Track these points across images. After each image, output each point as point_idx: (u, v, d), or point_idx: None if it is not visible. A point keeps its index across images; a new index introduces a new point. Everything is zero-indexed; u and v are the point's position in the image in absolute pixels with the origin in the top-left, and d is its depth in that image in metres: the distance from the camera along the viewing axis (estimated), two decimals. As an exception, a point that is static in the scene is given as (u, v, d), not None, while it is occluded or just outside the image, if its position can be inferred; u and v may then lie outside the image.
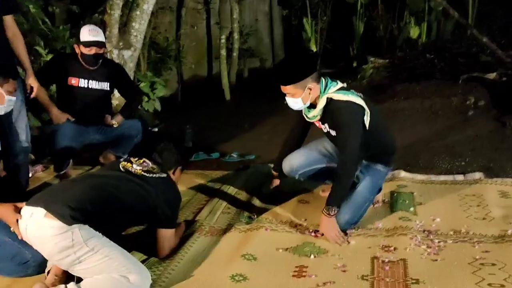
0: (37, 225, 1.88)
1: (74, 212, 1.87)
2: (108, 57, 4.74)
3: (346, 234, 2.42)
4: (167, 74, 6.74)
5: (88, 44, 3.21)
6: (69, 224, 1.85)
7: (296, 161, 2.68)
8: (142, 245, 2.33)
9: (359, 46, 8.87)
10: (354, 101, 2.35)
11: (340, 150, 2.43)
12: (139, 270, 1.95)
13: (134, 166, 2.24)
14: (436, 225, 2.49)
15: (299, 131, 2.75)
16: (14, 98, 2.39)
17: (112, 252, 1.93)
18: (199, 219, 2.72)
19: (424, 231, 2.43)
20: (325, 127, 2.51)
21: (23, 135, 2.89)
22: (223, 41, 6.92)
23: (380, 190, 2.74)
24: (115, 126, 3.39)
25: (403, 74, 6.01)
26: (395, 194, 2.95)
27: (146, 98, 5.15)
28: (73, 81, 3.31)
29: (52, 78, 3.36)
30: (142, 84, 5.13)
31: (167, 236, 2.26)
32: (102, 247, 1.91)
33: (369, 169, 2.57)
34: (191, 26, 7.63)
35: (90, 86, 3.36)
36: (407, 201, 2.83)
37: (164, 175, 2.28)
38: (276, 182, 2.91)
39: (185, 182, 3.33)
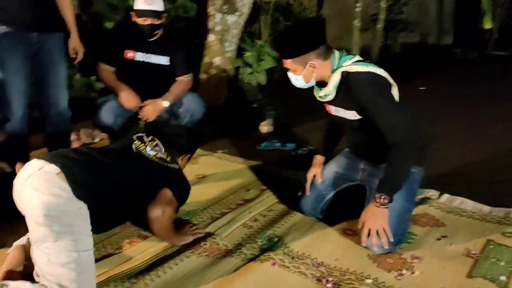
0: (44, 178, 1.60)
1: (85, 185, 1.64)
2: (210, 21, 4.40)
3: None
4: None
5: (141, 13, 2.81)
6: (76, 196, 1.61)
7: (311, 196, 2.31)
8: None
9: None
10: (376, 72, 1.93)
11: (386, 128, 1.89)
12: None
13: (148, 149, 2.00)
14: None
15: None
16: None
17: (84, 256, 1.59)
18: (212, 228, 2.20)
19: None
20: (339, 110, 2.08)
21: (61, 100, 2.69)
22: (357, 9, 5.97)
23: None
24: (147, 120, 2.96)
25: None
26: (491, 246, 2.00)
27: (249, 70, 4.68)
28: (129, 54, 2.96)
29: (113, 53, 3.01)
30: (247, 54, 4.67)
31: (168, 195, 1.96)
32: (82, 241, 1.59)
33: None
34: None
35: (147, 60, 2.98)
36: (501, 263, 1.87)
37: (177, 166, 2.08)
38: (314, 172, 2.34)
39: (230, 174, 2.86)
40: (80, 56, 2.77)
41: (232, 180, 2.80)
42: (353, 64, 1.95)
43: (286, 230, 2.21)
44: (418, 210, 2.38)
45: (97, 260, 1.90)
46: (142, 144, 2.00)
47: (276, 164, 3.05)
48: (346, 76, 1.94)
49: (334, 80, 1.97)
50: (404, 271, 1.87)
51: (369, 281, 1.82)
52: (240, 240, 2.14)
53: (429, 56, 7.70)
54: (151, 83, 2.99)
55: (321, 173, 2.32)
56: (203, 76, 4.47)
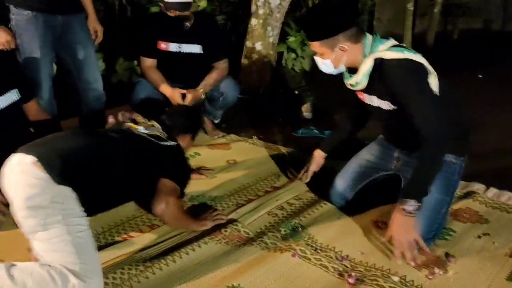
0: (21, 170, 1.58)
1: (65, 171, 1.57)
2: (253, 5, 4.29)
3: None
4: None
5: (169, 6, 2.75)
6: (57, 182, 1.55)
7: (340, 185, 2.19)
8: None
9: None
10: (413, 58, 1.73)
11: (418, 122, 1.74)
12: (90, 281, 1.50)
13: (140, 128, 1.90)
14: None
15: (356, 111, 2.18)
16: None
17: (80, 237, 1.55)
18: (236, 215, 2.12)
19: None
20: (373, 100, 1.92)
21: (94, 83, 2.70)
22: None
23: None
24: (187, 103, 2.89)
25: None
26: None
27: (293, 55, 4.54)
28: (162, 45, 2.92)
29: (150, 44, 2.97)
30: (290, 39, 4.53)
31: (168, 185, 1.86)
32: (74, 224, 1.55)
33: None
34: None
35: (181, 50, 2.93)
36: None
37: (173, 143, 1.96)
38: (314, 166, 2.35)
39: (262, 160, 2.77)
40: (99, 36, 2.77)
41: (264, 166, 2.70)
42: (388, 50, 1.76)
43: (312, 220, 2.09)
44: (460, 204, 2.19)
45: (112, 244, 1.90)
46: (134, 125, 1.94)
47: (312, 152, 2.91)
48: (380, 63, 1.77)
49: (366, 67, 1.80)
50: (436, 270, 1.71)
51: (396, 278, 1.67)
52: (263, 228, 2.04)
53: (491, 43, 7.20)
54: (186, 72, 2.96)
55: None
56: (245, 61, 4.39)
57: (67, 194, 1.57)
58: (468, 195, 2.28)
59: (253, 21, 4.32)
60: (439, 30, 6.75)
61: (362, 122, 2.25)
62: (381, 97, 1.86)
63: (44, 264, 1.50)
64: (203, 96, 2.92)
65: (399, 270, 1.71)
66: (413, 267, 1.70)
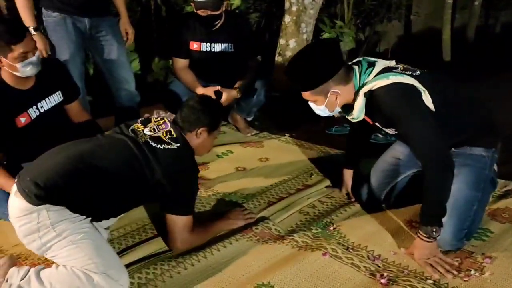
0: (9, 203, 1.66)
1: (40, 191, 1.57)
2: (286, 2, 4.27)
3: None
4: (382, 26, 5.82)
5: (199, 5, 2.76)
6: (35, 204, 1.57)
7: (369, 191, 2.15)
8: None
9: None
10: (400, 81, 1.70)
11: (415, 152, 1.76)
12: (111, 272, 1.56)
13: (146, 130, 1.78)
14: None
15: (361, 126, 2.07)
16: (33, 59, 1.94)
17: (82, 240, 1.60)
18: (267, 213, 2.12)
19: None
20: (377, 124, 1.89)
21: (126, 83, 2.76)
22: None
23: (495, 184, 1.99)
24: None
25: None
26: None
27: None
28: (194, 45, 2.95)
29: (181, 45, 2.99)
30: (324, 35, 4.49)
31: (177, 224, 1.78)
32: (72, 233, 1.60)
33: (464, 157, 1.85)
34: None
35: (213, 49, 2.95)
36: None
37: (175, 145, 1.75)
38: (345, 191, 2.29)
39: (294, 158, 2.77)
40: (131, 38, 2.83)
41: (296, 164, 2.69)
42: (374, 79, 1.73)
43: (344, 219, 2.08)
44: (499, 204, 2.13)
45: (143, 241, 1.93)
46: (142, 126, 1.81)
47: (345, 150, 2.88)
48: (369, 96, 1.75)
49: (359, 105, 1.78)
50: (472, 272, 1.67)
51: (430, 280, 1.64)
52: (294, 226, 2.04)
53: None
54: (219, 70, 3.00)
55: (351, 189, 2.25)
56: (278, 58, 4.38)
57: (52, 210, 1.58)
58: (507, 194, 2.21)
59: (287, 18, 4.30)
60: (480, 24, 6.53)
61: (370, 133, 2.26)
62: (382, 125, 1.86)
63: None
64: (238, 95, 2.94)
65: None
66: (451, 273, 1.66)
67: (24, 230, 1.61)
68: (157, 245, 1.89)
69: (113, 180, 1.67)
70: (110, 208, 1.76)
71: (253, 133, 3.21)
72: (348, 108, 1.86)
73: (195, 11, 2.81)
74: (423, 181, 1.70)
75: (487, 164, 1.87)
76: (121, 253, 1.84)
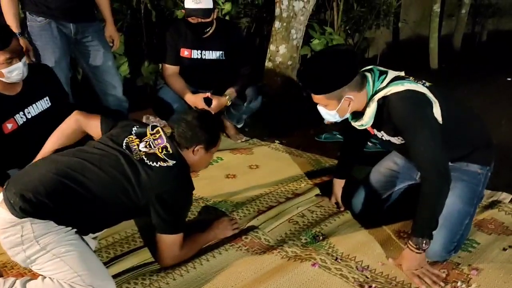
0: None
1: (25, 204, 1.54)
2: (277, 7, 4.28)
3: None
4: (371, 32, 5.87)
5: (189, 12, 2.75)
6: (19, 217, 1.55)
7: (363, 195, 2.13)
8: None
9: None
10: (414, 88, 1.72)
11: (417, 162, 1.78)
12: (97, 284, 1.56)
13: (141, 145, 1.75)
14: None
15: (356, 135, 2.12)
16: (18, 64, 1.93)
17: (67, 253, 1.58)
18: (256, 222, 2.12)
19: None
20: (383, 135, 1.89)
21: (113, 89, 2.75)
22: (438, -6, 5.54)
23: (481, 199, 2.00)
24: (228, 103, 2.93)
25: None
26: None
27: (317, 58, 4.53)
28: (185, 52, 2.95)
29: (172, 51, 2.99)
30: (314, 42, 4.50)
31: (165, 242, 1.76)
32: (56, 246, 1.58)
33: (460, 172, 1.87)
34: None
35: (204, 57, 2.95)
36: None
37: (171, 162, 1.72)
38: (334, 200, 2.30)
39: (284, 166, 2.78)
40: (116, 44, 2.82)
41: (285, 172, 2.70)
42: (388, 85, 1.75)
43: (333, 229, 2.09)
44: (485, 214, 2.15)
45: (132, 251, 1.92)
46: (137, 139, 1.76)
47: (335, 157, 2.90)
48: (382, 102, 1.75)
49: (370, 111, 1.78)
50: (459, 284, 1.69)
51: (417, 291, 1.66)
52: (283, 236, 2.04)
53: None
54: (209, 77, 3.00)
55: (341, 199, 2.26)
56: (268, 64, 4.38)
57: (35, 222, 1.56)
58: (493, 204, 2.24)
59: (277, 24, 4.30)
60: (467, 32, 6.60)
61: (364, 143, 2.26)
62: (389, 133, 1.86)
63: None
64: (228, 103, 2.94)
65: (421, 282, 1.69)
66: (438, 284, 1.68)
67: (8, 242, 1.59)
68: (146, 254, 1.88)
69: (101, 200, 1.64)
70: (96, 225, 1.74)
71: (243, 140, 3.21)
72: (356, 114, 1.86)
73: (186, 18, 2.81)
74: (418, 193, 1.71)
75: (481, 181, 1.90)
76: (109, 262, 1.83)
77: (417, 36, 6.85)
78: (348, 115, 1.84)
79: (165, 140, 1.78)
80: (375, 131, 1.90)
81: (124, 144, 1.75)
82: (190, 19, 2.78)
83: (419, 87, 1.73)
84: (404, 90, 1.71)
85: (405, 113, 1.71)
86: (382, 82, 1.76)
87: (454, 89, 4.16)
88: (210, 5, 2.76)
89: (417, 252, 1.71)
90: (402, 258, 1.77)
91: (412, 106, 1.71)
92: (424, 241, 1.70)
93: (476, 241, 1.94)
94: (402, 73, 1.82)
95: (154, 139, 1.78)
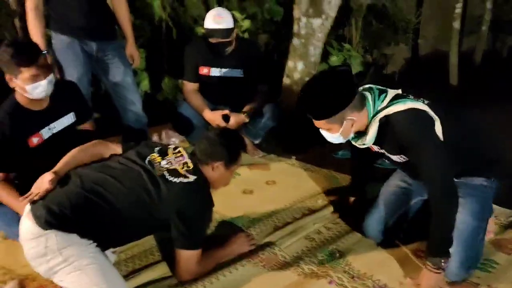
0: (21, 224, 1.69)
1: (50, 217, 1.60)
2: (295, 25, 4.32)
3: None
4: (390, 49, 5.87)
5: (210, 32, 2.80)
6: (44, 229, 1.60)
7: (375, 220, 2.08)
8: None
9: None
10: (416, 107, 1.73)
11: (424, 179, 1.78)
12: None
13: (163, 162, 1.79)
14: None
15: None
16: (42, 82, 1.96)
17: (88, 266, 1.62)
18: (273, 238, 2.14)
19: None
20: (382, 151, 1.90)
21: (132, 105, 2.81)
22: (457, 10, 5.53)
23: (491, 213, 2.01)
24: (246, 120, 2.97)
25: None
26: None
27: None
28: (204, 70, 2.99)
29: (192, 69, 3.05)
30: (332, 58, 4.53)
31: (184, 257, 1.78)
32: (78, 259, 1.62)
33: (467, 187, 1.86)
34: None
35: (222, 75, 2.99)
36: None
37: (192, 178, 1.75)
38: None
39: (300, 182, 2.79)
40: (136, 62, 2.89)
41: (302, 188, 2.71)
42: (390, 104, 1.75)
43: (350, 246, 2.08)
44: (505, 234, 2.13)
45: (150, 265, 1.95)
46: (159, 157, 1.82)
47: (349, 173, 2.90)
48: (384, 121, 1.76)
49: (372, 131, 1.78)
50: (477, 304, 1.67)
51: (435, 311, 1.64)
52: (299, 252, 2.05)
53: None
54: (228, 95, 3.05)
55: None
56: (286, 80, 4.41)
57: (59, 235, 1.61)
58: (513, 224, 2.21)
59: (295, 41, 4.34)
60: (487, 48, 6.56)
61: (375, 158, 2.26)
62: (390, 152, 1.86)
63: None
64: (247, 120, 2.97)
65: (438, 302, 1.68)
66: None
67: (32, 253, 1.64)
68: (164, 269, 1.91)
69: (122, 214, 1.69)
70: (117, 239, 1.79)
71: (260, 155, 3.24)
72: (357, 134, 1.86)
73: (206, 37, 2.86)
74: (429, 213, 1.71)
75: (489, 194, 1.90)
76: (128, 275, 1.86)
77: (437, 52, 6.82)
78: (351, 135, 1.84)
79: (186, 157, 1.83)
80: (375, 147, 1.90)
81: (147, 160, 1.80)
82: (211, 39, 2.82)
83: (420, 105, 1.74)
84: (407, 109, 1.71)
85: (409, 132, 1.71)
86: (382, 101, 1.76)
87: (474, 105, 4.13)
88: (231, 25, 2.80)
89: (435, 272, 1.71)
90: (421, 278, 1.76)
91: (415, 125, 1.71)
92: (442, 260, 1.69)
93: (495, 261, 1.92)
94: (400, 91, 1.83)
95: (175, 157, 1.83)
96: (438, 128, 1.73)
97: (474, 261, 1.82)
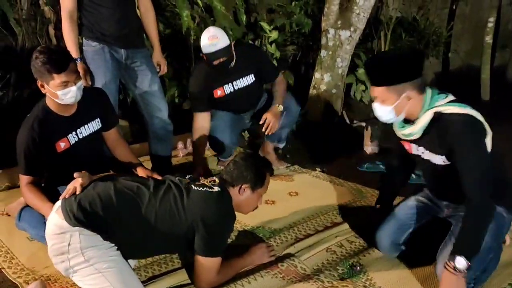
0: (49, 219, 1.73)
1: (80, 212, 1.65)
2: (323, 37, 4.32)
3: None
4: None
5: (210, 57, 2.75)
6: (72, 224, 1.64)
7: (385, 234, 2.06)
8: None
9: None
10: (475, 115, 1.71)
11: (465, 182, 1.73)
12: None
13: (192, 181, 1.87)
14: None
15: (399, 163, 2.14)
16: (72, 88, 1.99)
17: (108, 269, 1.65)
18: (293, 249, 2.12)
19: None
20: (421, 151, 1.87)
21: (159, 112, 2.84)
22: (490, 24, 5.42)
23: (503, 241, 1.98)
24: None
25: None
26: None
27: (362, 87, 4.51)
28: (218, 92, 2.95)
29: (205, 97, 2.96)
30: (360, 71, 4.51)
31: (204, 265, 1.78)
32: (99, 261, 1.65)
33: None
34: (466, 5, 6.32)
35: (236, 87, 2.97)
36: None
37: (216, 189, 1.79)
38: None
39: (324, 194, 2.76)
40: (163, 70, 2.92)
41: (325, 200, 2.68)
42: (447, 104, 1.73)
43: (372, 261, 2.04)
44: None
45: (169, 272, 1.95)
46: (188, 180, 1.88)
47: (377, 188, 2.85)
48: (438, 117, 1.73)
49: (424, 120, 1.76)
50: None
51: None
52: (320, 265, 2.02)
53: None
54: (247, 102, 3.05)
55: None
56: (313, 91, 4.41)
57: (85, 234, 1.64)
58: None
59: (323, 53, 4.35)
60: (521, 63, 6.41)
61: (409, 172, 2.22)
62: (432, 150, 1.82)
63: None
64: (281, 108, 2.91)
65: (462, 322, 1.62)
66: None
67: (55, 249, 1.67)
68: (183, 276, 1.91)
69: (147, 220, 1.72)
70: (139, 249, 1.82)
71: (284, 166, 3.22)
72: (406, 122, 1.85)
73: (209, 63, 2.80)
74: (465, 216, 1.72)
75: (506, 225, 1.86)
76: (147, 281, 1.87)
77: (468, 66, 6.70)
78: (402, 116, 1.80)
79: (215, 178, 1.89)
80: (414, 147, 1.87)
81: (176, 177, 1.87)
82: (214, 63, 2.78)
83: (479, 115, 1.72)
84: (465, 113, 1.70)
85: (463, 135, 1.69)
86: (443, 99, 1.75)
87: (505, 122, 4.02)
88: (227, 42, 2.74)
89: (453, 272, 1.67)
90: (442, 281, 1.72)
91: (471, 130, 1.70)
92: (462, 261, 1.66)
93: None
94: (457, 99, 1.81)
95: (212, 180, 1.88)
96: (489, 142, 1.72)
97: (479, 279, 1.80)
